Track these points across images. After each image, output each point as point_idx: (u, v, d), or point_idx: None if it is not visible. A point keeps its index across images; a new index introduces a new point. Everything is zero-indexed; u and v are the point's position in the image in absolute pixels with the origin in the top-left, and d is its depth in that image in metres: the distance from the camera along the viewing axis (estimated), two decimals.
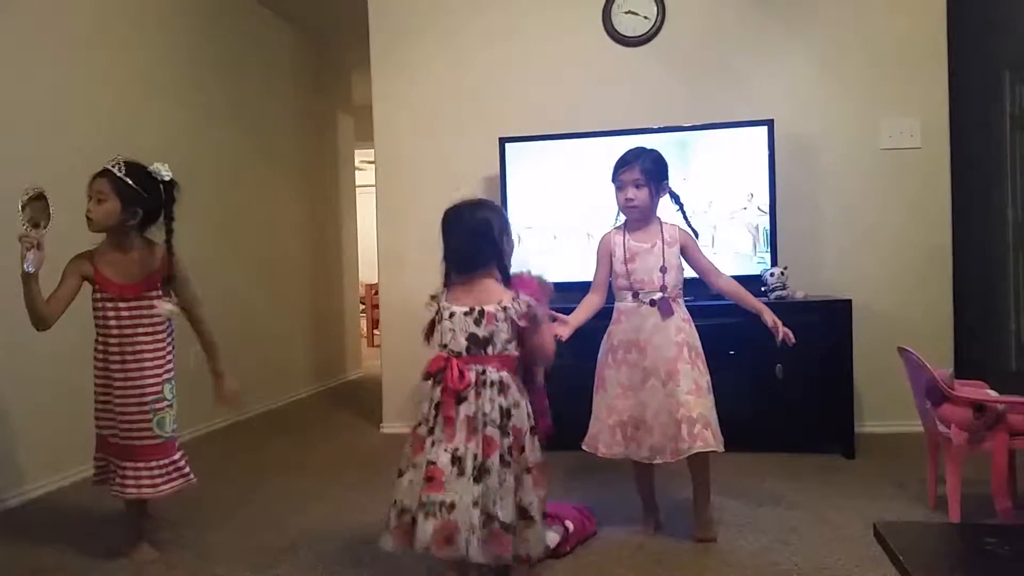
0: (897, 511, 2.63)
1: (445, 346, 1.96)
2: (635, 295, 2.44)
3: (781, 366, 3.35)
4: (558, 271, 3.80)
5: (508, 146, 3.89)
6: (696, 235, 2.55)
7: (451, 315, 1.96)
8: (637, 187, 2.45)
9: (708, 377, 2.39)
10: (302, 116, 5.83)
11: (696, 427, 2.27)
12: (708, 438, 2.26)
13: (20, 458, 3.08)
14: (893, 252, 3.84)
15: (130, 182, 2.29)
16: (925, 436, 2.69)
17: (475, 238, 1.97)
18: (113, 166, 2.30)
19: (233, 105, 4.76)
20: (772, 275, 3.48)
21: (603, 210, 3.71)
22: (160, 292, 2.39)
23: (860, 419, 3.64)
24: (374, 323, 8.78)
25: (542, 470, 1.95)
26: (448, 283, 2.03)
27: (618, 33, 4.04)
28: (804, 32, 3.92)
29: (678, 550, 2.35)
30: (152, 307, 2.37)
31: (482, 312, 1.92)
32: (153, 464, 2.35)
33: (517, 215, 3.85)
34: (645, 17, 4.01)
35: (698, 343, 2.42)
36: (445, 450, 1.87)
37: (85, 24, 3.53)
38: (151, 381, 2.36)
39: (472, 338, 1.92)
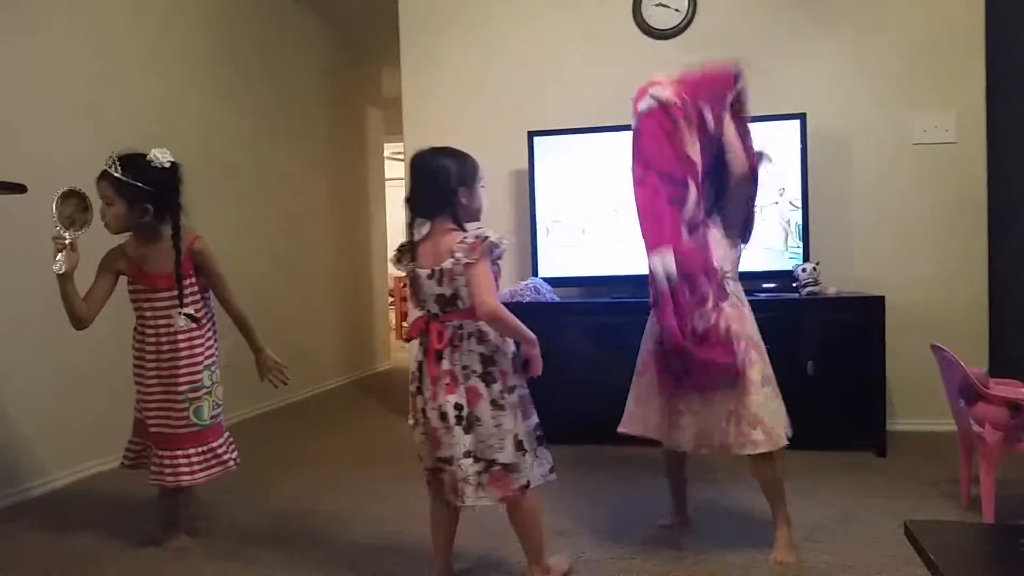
0: (929, 510, 2.60)
1: (423, 307, 1.99)
2: None
3: (812, 363, 3.32)
4: (586, 265, 3.81)
5: (537, 140, 3.89)
6: (747, 233, 2.37)
7: (417, 279, 1.97)
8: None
9: (763, 366, 2.18)
10: (332, 109, 5.88)
11: (743, 426, 2.14)
12: (756, 437, 2.12)
13: (50, 446, 3.15)
14: (927, 248, 3.79)
15: (129, 179, 2.25)
16: (959, 435, 2.65)
17: (430, 183, 1.94)
18: (110, 166, 2.24)
19: (264, 99, 4.81)
20: (804, 270, 3.45)
21: (633, 205, 3.71)
22: (194, 279, 2.39)
23: (892, 417, 3.59)
24: (403, 316, 8.83)
25: (528, 401, 2.02)
26: (413, 237, 1.99)
27: (649, 26, 4.02)
28: (836, 24, 3.86)
29: (706, 544, 2.34)
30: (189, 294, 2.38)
31: (442, 272, 1.91)
32: (191, 452, 2.37)
33: (545, 209, 3.86)
34: (676, 10, 3.98)
35: (751, 330, 2.20)
36: (432, 408, 1.93)
37: (118, 19, 3.59)
38: (187, 371, 2.37)
39: (440, 299, 1.93)
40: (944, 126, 3.76)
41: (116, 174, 2.24)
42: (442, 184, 1.93)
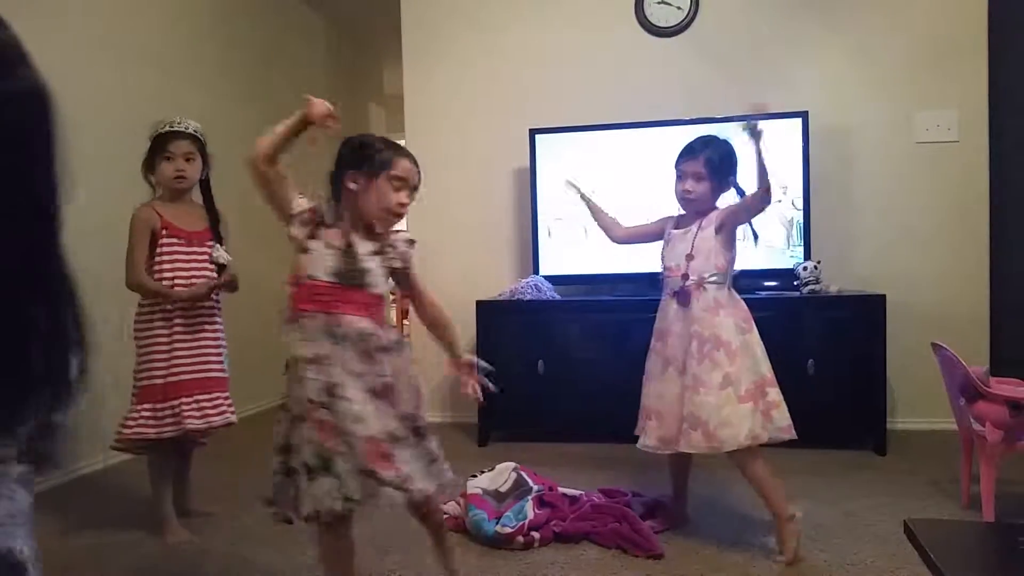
0: (929, 509, 2.60)
1: None
2: (664, 283, 2.41)
3: (813, 361, 3.32)
4: (587, 264, 3.81)
5: (539, 137, 3.89)
6: (755, 238, 2.39)
7: None
8: (697, 180, 2.29)
9: (728, 370, 2.19)
10: (334, 106, 5.87)
11: (683, 427, 2.23)
12: (693, 439, 2.20)
13: None
14: (929, 247, 3.78)
15: (204, 141, 2.58)
16: (959, 434, 2.65)
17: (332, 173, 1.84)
18: (186, 128, 2.53)
19: (265, 96, 4.80)
20: (805, 269, 3.45)
21: (635, 203, 3.72)
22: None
23: (893, 415, 3.59)
24: (403, 313, 8.82)
25: None
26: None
27: (651, 24, 4.02)
28: (839, 22, 3.86)
29: (707, 544, 2.35)
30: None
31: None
32: (227, 395, 2.58)
33: (547, 207, 3.86)
34: (678, 8, 3.98)
35: (722, 333, 2.22)
36: None
37: (123, 16, 3.59)
38: (219, 318, 2.59)
39: None
40: (947, 125, 3.75)
41: (200, 136, 2.55)
42: (335, 169, 1.84)
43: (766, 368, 2.25)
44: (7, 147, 0.71)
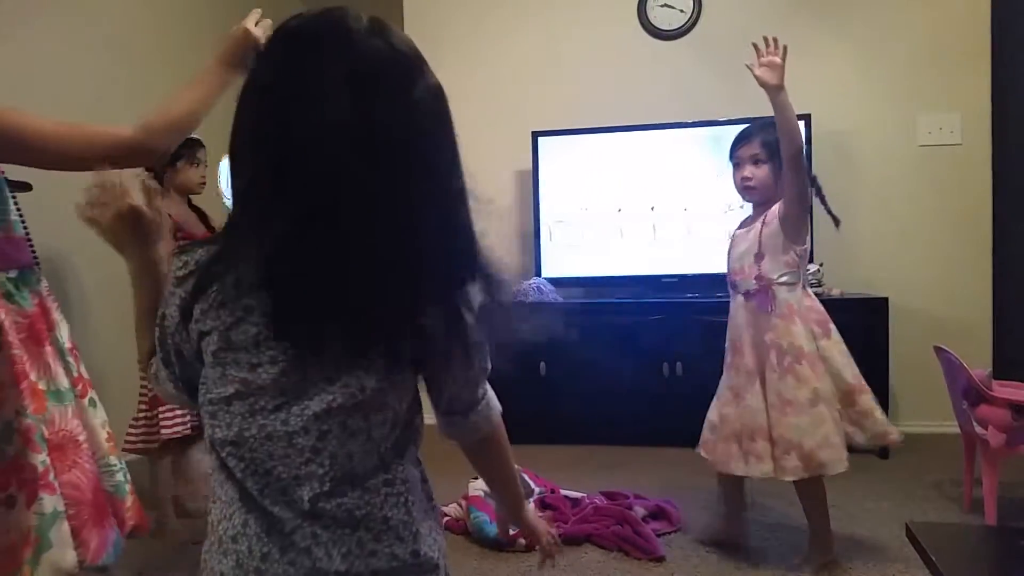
0: (931, 512, 2.60)
1: None
2: (734, 287, 2.20)
3: None
4: (589, 266, 3.81)
5: (541, 140, 3.89)
6: (836, 223, 2.22)
7: None
8: (756, 164, 2.12)
9: (816, 385, 2.04)
10: None
11: (776, 450, 2.05)
12: (789, 464, 2.02)
13: None
14: (931, 250, 3.78)
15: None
16: (961, 437, 2.65)
17: None
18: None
19: None
20: (808, 272, 3.44)
21: (637, 205, 3.72)
22: None
23: (895, 419, 3.57)
24: None
25: None
26: None
27: (653, 26, 4.02)
28: (841, 25, 3.86)
29: (708, 546, 2.35)
30: None
31: None
32: None
33: (549, 209, 3.86)
34: (681, 10, 3.98)
35: (802, 344, 2.07)
36: None
37: (119, 16, 3.59)
38: None
39: None
40: (949, 128, 3.75)
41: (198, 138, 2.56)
42: None
43: (850, 374, 2.10)
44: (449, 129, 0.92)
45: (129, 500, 1.47)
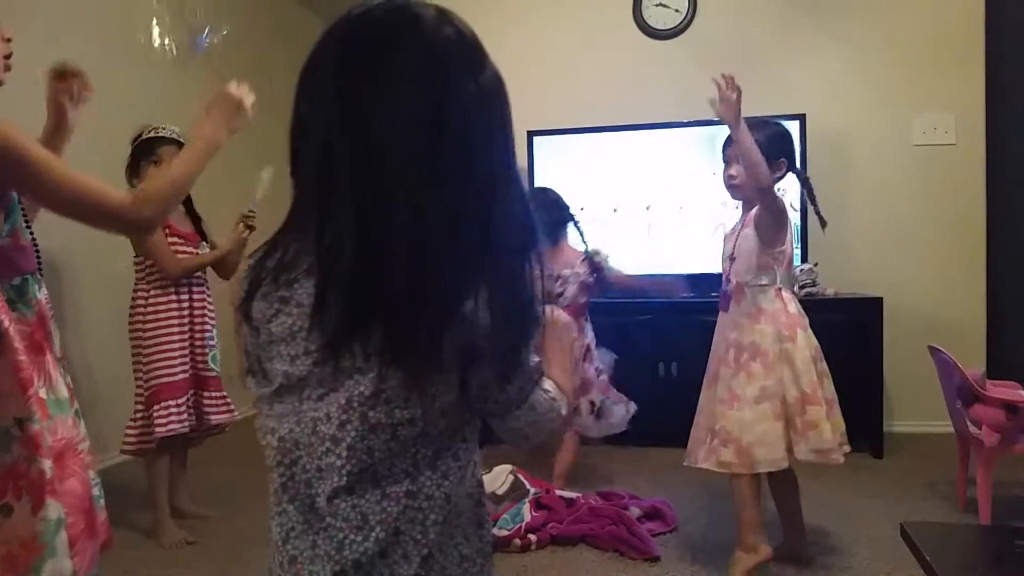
0: (926, 512, 2.61)
1: None
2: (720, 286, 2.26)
3: None
4: None
5: (536, 139, 3.89)
6: (823, 224, 2.24)
7: None
8: (741, 163, 2.13)
9: (764, 383, 2.06)
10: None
11: (715, 441, 2.10)
12: (724, 456, 2.06)
13: None
14: (925, 249, 3.79)
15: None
16: (956, 437, 2.66)
17: None
18: (170, 134, 2.53)
19: (264, 100, 4.79)
20: (802, 271, 3.45)
21: (632, 205, 3.72)
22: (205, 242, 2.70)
23: (890, 418, 3.59)
24: None
25: None
26: None
27: (649, 26, 4.02)
28: (837, 25, 3.86)
29: (704, 546, 2.35)
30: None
31: None
32: (224, 392, 2.68)
33: None
34: (676, 10, 3.98)
35: (761, 342, 2.08)
36: None
37: (117, 18, 3.58)
38: (213, 317, 2.67)
39: None
40: (944, 128, 3.76)
41: (183, 141, 2.49)
42: None
43: (807, 382, 2.07)
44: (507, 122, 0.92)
45: (103, 515, 1.47)
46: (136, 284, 2.55)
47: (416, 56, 0.79)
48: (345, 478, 0.79)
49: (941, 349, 2.57)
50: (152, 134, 2.54)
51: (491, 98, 0.89)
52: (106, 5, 3.49)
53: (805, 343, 2.10)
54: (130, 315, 2.52)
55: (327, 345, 0.78)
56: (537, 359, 0.86)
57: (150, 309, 2.50)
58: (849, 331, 3.33)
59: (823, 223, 2.25)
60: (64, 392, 1.37)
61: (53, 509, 1.26)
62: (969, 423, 2.47)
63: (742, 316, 2.13)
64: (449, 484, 0.82)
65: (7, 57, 1.38)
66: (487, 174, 0.82)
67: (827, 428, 2.07)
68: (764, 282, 2.13)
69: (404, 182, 0.76)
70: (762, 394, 2.06)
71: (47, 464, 1.26)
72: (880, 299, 3.36)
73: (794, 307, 2.14)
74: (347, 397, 0.78)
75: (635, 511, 2.53)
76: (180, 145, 2.50)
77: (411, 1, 0.83)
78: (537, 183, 3.86)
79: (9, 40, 1.39)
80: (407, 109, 0.77)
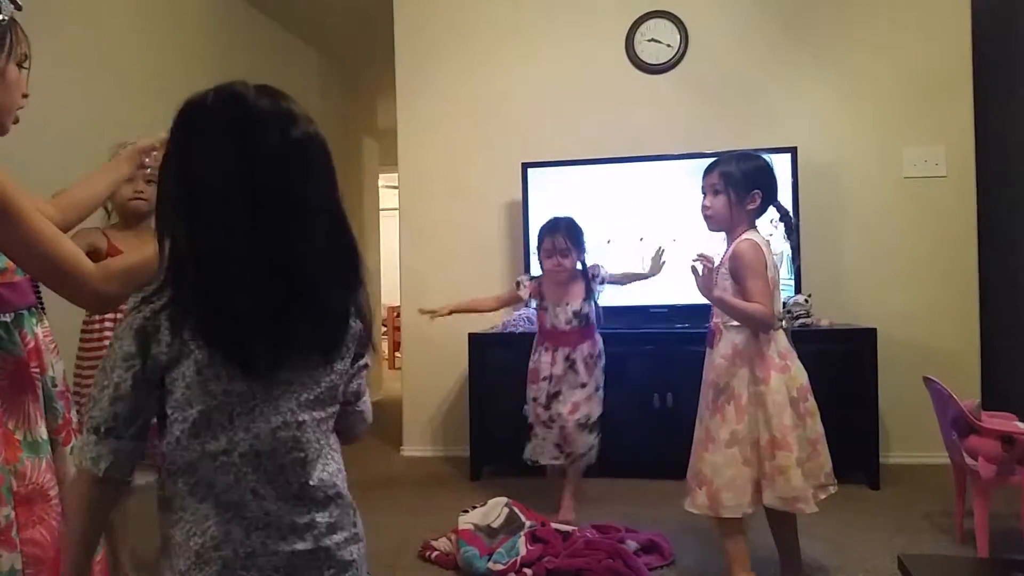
0: (923, 544, 2.59)
1: None
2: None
3: None
4: None
5: (531, 171, 3.91)
6: (795, 253, 2.29)
7: None
8: (715, 193, 2.15)
9: (735, 427, 2.05)
10: (329, 140, 5.90)
11: (692, 483, 2.14)
12: (698, 499, 2.09)
13: None
14: (919, 281, 3.80)
15: None
16: (952, 468, 2.65)
17: None
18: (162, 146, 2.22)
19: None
20: (796, 303, 3.46)
21: (626, 236, 3.74)
22: None
23: (885, 449, 3.58)
24: (395, 346, 8.80)
25: None
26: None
27: (641, 61, 4.07)
28: (828, 59, 3.92)
29: None
30: None
31: None
32: None
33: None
34: (668, 45, 4.03)
35: (736, 385, 2.08)
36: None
37: (116, 48, 3.61)
38: None
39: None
40: (934, 160, 3.80)
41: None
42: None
43: (776, 425, 2.03)
44: (325, 173, 1.08)
45: (98, 555, 1.36)
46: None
47: (236, 126, 0.99)
48: None
49: (936, 380, 2.57)
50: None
51: (302, 151, 1.04)
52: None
53: (780, 385, 2.07)
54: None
55: None
56: None
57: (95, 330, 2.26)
58: (843, 362, 3.33)
59: (795, 252, 2.35)
60: (43, 433, 1.30)
61: (6, 560, 1.20)
62: (965, 455, 2.46)
63: (720, 356, 2.14)
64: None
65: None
66: (304, 210, 1.00)
67: (796, 475, 2.03)
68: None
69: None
70: (732, 438, 2.06)
71: (2, 513, 1.20)
72: (874, 330, 3.36)
73: (771, 347, 2.11)
74: None
75: (631, 544, 2.51)
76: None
77: (237, 84, 1.03)
78: (531, 214, 3.88)
79: (26, 96, 1.37)
80: (228, 167, 0.97)
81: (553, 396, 2.99)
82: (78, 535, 1.01)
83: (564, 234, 3.00)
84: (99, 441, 0.96)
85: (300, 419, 1.00)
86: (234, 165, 0.95)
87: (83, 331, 2.29)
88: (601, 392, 3.05)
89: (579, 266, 3.07)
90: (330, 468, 1.05)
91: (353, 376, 1.09)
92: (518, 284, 3.16)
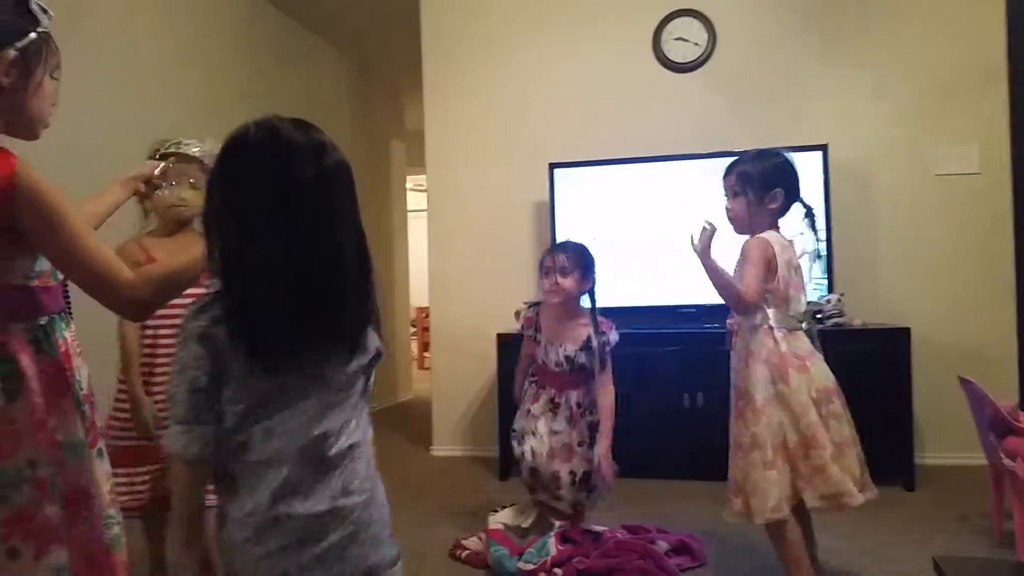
0: (961, 546, 2.55)
1: None
2: None
3: None
4: (606, 298, 3.80)
5: (557, 171, 3.92)
6: (818, 255, 2.21)
7: None
8: (734, 195, 2.12)
9: (754, 430, 2.00)
10: (356, 142, 5.96)
11: (728, 491, 2.07)
12: (734, 507, 2.04)
13: None
14: (953, 279, 3.75)
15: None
16: (989, 469, 2.61)
17: None
18: (201, 153, 2.12)
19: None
20: (829, 302, 3.42)
21: (653, 236, 3.73)
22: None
23: (921, 451, 3.53)
24: (424, 346, 8.85)
25: None
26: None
27: (668, 60, 4.05)
28: (857, 56, 3.87)
29: None
30: None
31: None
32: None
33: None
34: (695, 44, 4.01)
35: (751, 387, 2.03)
36: None
37: (141, 52, 3.66)
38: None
39: None
40: (968, 157, 3.74)
41: (207, 161, 2.05)
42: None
43: (804, 424, 1.97)
44: (350, 194, 1.20)
45: (123, 554, 1.39)
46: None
47: (276, 160, 1.15)
48: None
49: (971, 380, 2.53)
50: (170, 148, 2.14)
51: (333, 177, 1.18)
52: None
53: (801, 384, 2.01)
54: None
55: None
56: None
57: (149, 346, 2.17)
58: (877, 362, 3.29)
59: (818, 255, 2.28)
60: (81, 435, 1.32)
61: (56, 556, 1.24)
62: (1003, 456, 2.42)
63: (739, 359, 2.09)
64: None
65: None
66: (334, 227, 1.16)
67: (835, 471, 1.96)
68: (755, 322, 2.06)
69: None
70: (752, 442, 2.00)
71: (54, 510, 1.24)
72: (908, 329, 3.32)
73: (786, 347, 2.04)
74: None
75: (662, 545, 2.50)
76: (201, 165, 2.11)
77: (275, 119, 1.21)
78: (558, 214, 3.89)
79: (54, 104, 1.41)
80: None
81: (530, 433, 2.69)
82: (182, 512, 1.17)
83: (568, 254, 2.65)
84: (184, 431, 1.12)
85: (329, 408, 1.20)
86: (275, 190, 1.11)
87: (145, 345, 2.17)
88: (585, 448, 2.65)
89: (585, 299, 2.70)
90: (355, 437, 1.27)
91: (370, 366, 1.35)
92: (517, 314, 2.85)
